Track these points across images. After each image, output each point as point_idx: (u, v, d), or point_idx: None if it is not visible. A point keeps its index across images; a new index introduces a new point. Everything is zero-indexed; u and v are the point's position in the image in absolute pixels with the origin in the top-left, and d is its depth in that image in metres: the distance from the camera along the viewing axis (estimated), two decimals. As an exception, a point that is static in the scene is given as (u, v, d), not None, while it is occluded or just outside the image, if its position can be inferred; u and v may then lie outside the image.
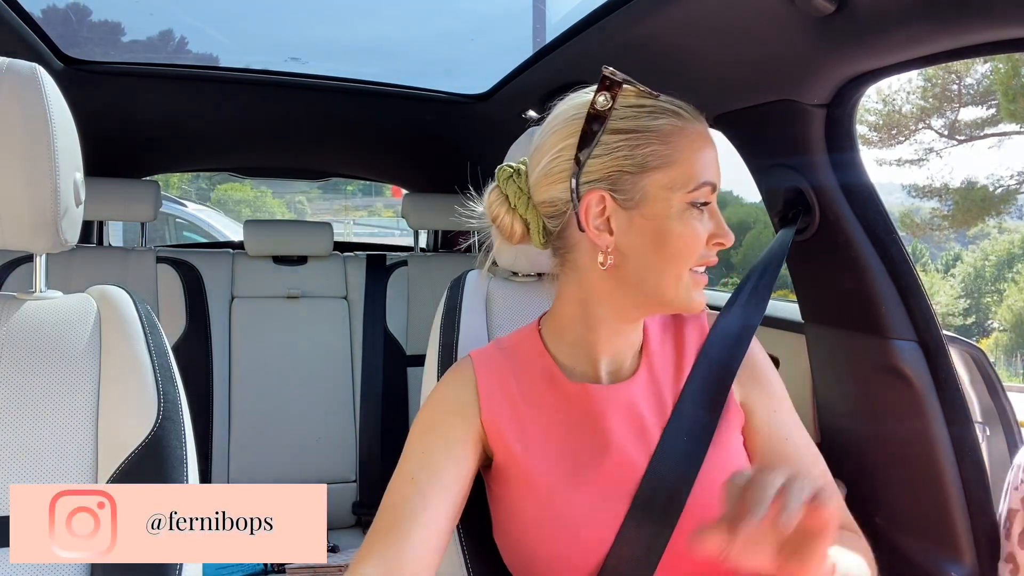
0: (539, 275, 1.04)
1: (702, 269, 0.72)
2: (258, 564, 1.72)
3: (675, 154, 0.69)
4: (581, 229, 0.71)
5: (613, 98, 0.69)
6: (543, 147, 0.74)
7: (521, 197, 0.76)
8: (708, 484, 0.71)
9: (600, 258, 0.71)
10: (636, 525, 0.69)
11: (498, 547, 0.77)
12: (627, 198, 0.69)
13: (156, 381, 0.76)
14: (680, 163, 0.69)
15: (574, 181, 0.70)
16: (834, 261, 1.04)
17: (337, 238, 2.21)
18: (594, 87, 0.71)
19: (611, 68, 0.69)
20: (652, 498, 0.70)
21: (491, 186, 0.79)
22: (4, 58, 0.73)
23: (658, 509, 0.70)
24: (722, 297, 1.53)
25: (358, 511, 2.01)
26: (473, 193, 0.83)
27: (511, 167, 0.78)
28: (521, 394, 0.76)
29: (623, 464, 0.72)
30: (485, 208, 0.79)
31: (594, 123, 0.69)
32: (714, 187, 0.70)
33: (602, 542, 0.69)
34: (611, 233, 0.70)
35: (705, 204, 0.70)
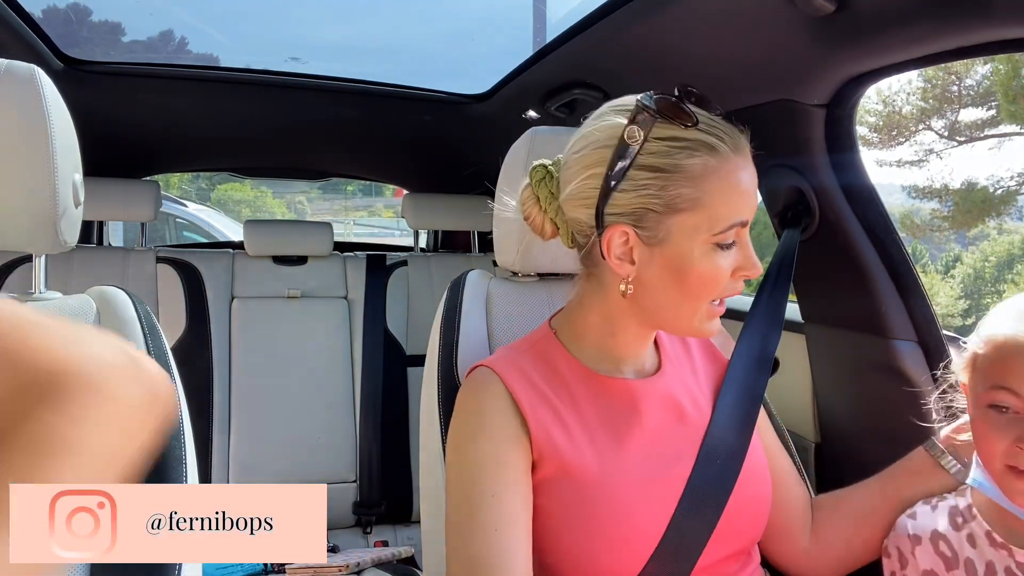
0: (539, 275, 1.04)
1: (718, 301, 0.71)
2: (258, 564, 1.72)
3: (704, 198, 0.66)
4: (603, 256, 0.70)
5: (645, 133, 0.66)
6: (571, 166, 0.72)
7: (552, 202, 0.75)
8: (748, 471, 0.75)
9: (621, 286, 0.70)
10: (688, 513, 0.71)
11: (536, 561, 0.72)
12: (651, 235, 0.67)
13: None
14: (709, 207, 0.66)
15: (599, 210, 0.69)
16: (834, 261, 1.04)
17: (337, 238, 2.21)
18: (631, 101, 0.68)
19: (651, 95, 0.66)
20: (703, 487, 0.72)
21: (525, 183, 0.78)
22: (2, 60, 0.73)
23: (710, 497, 0.72)
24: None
25: (358, 511, 2.01)
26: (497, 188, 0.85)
27: (544, 168, 0.76)
28: (555, 395, 0.74)
29: (669, 454, 0.74)
30: (518, 204, 0.79)
31: (623, 156, 0.67)
32: (745, 223, 0.68)
33: (654, 533, 0.70)
34: (632, 263, 0.69)
35: (732, 243, 0.68)
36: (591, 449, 0.72)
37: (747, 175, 0.68)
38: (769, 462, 0.83)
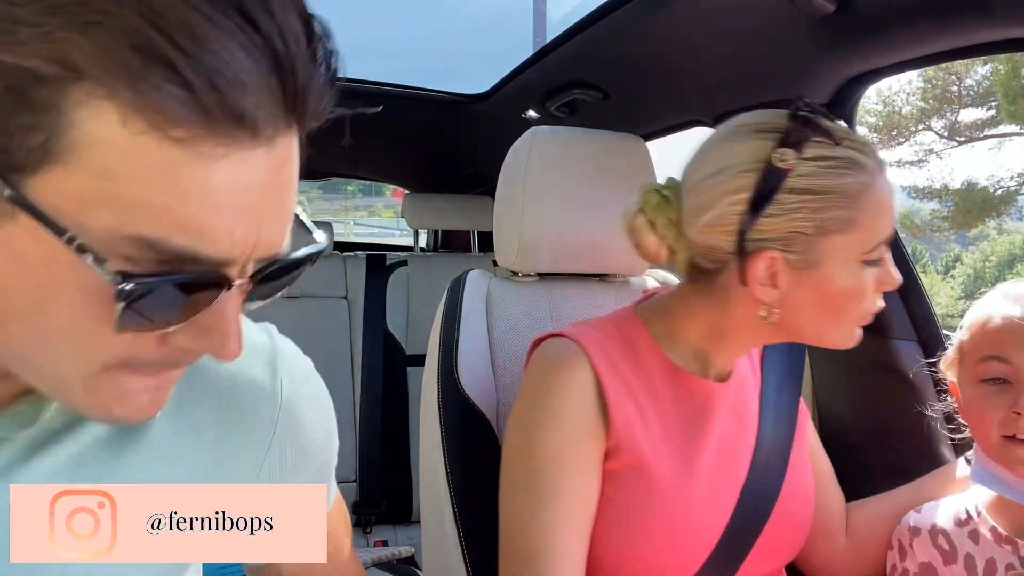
0: (539, 275, 1.04)
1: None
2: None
3: (858, 217, 0.63)
4: (743, 283, 0.66)
5: (797, 155, 0.62)
6: (705, 190, 0.67)
7: (671, 228, 0.71)
8: (791, 489, 0.75)
9: (762, 312, 0.67)
10: (739, 523, 0.71)
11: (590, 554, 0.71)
12: (800, 259, 0.64)
13: None
14: (862, 226, 0.64)
15: (741, 236, 0.65)
16: (834, 261, 1.04)
17: (337, 238, 2.22)
18: (767, 120, 0.66)
19: (804, 111, 0.64)
20: (757, 491, 0.72)
21: (634, 207, 0.73)
22: None
23: (757, 509, 0.72)
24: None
25: (358, 511, 2.01)
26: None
27: (659, 192, 0.72)
28: (639, 386, 0.72)
29: (730, 458, 0.74)
30: (627, 230, 0.74)
31: (772, 180, 0.63)
32: (891, 238, 0.67)
33: (712, 537, 0.70)
34: (775, 287, 0.66)
35: (879, 259, 0.67)
36: (667, 447, 0.70)
37: (890, 188, 0.67)
38: (817, 468, 0.83)
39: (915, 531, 0.77)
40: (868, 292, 0.67)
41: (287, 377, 0.54)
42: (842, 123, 0.67)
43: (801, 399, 0.84)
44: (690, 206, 0.69)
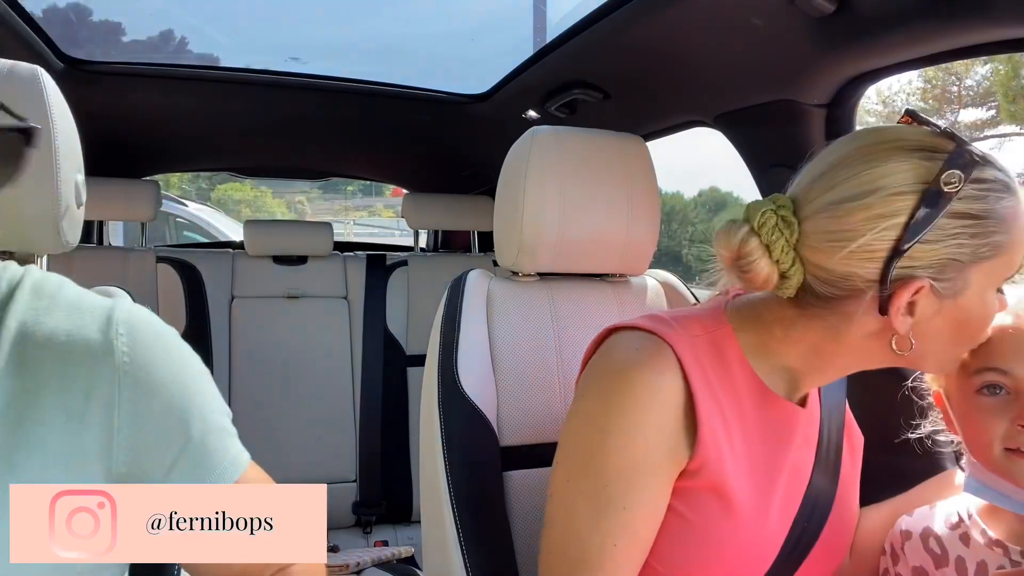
0: (539, 275, 1.04)
1: None
2: (258, 564, 1.72)
3: (1009, 242, 0.60)
4: (883, 312, 0.60)
5: (966, 178, 0.58)
6: (843, 214, 0.60)
7: (788, 251, 0.63)
8: (838, 522, 0.74)
9: (894, 343, 0.62)
10: (795, 541, 0.69)
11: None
12: (948, 287, 0.60)
13: None
14: (1010, 251, 0.60)
15: (888, 264, 0.59)
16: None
17: (337, 238, 2.22)
18: (917, 137, 0.61)
19: (955, 133, 0.59)
20: (811, 515, 0.70)
21: (741, 230, 0.64)
22: (6, 60, 0.73)
23: (812, 526, 0.70)
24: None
25: (358, 511, 2.01)
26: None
27: (776, 213, 0.63)
28: (727, 401, 0.66)
29: (796, 485, 0.71)
30: (732, 255, 0.65)
31: (934, 204, 0.58)
32: None
33: (766, 562, 0.68)
34: (911, 315, 0.61)
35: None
36: (749, 472, 0.66)
37: None
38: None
39: (907, 535, 0.77)
40: (993, 317, 0.64)
41: (124, 329, 0.54)
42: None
43: (850, 415, 0.81)
44: (821, 229, 0.62)
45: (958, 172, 0.58)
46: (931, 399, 0.78)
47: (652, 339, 0.66)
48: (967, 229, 0.58)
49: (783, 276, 0.64)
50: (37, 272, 0.57)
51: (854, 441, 0.80)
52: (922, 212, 0.58)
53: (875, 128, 0.65)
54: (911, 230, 0.58)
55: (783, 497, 0.69)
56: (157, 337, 0.56)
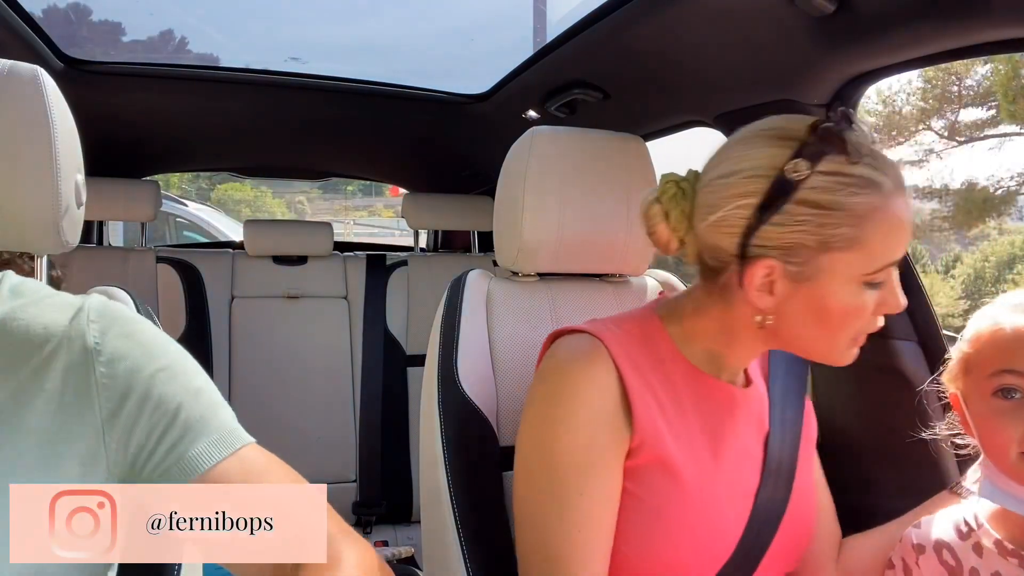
0: (539, 275, 1.04)
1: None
2: (258, 564, 1.72)
3: (863, 237, 0.62)
4: (740, 286, 0.66)
5: (811, 168, 0.62)
6: (715, 190, 0.67)
7: (683, 221, 0.71)
8: (798, 500, 0.76)
9: (758, 318, 0.68)
10: (758, 521, 0.72)
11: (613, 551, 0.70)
12: (799, 272, 0.64)
13: None
14: (867, 246, 0.63)
15: (744, 240, 0.65)
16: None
17: (337, 238, 2.22)
18: (790, 127, 0.65)
19: (821, 126, 0.63)
20: (770, 497, 0.73)
21: (651, 196, 0.74)
22: (5, 60, 0.73)
23: (773, 507, 0.73)
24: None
25: (358, 511, 2.01)
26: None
27: (677, 184, 0.72)
28: (660, 385, 0.71)
29: (747, 463, 0.74)
30: (642, 216, 0.74)
31: (782, 189, 0.63)
32: (898, 261, 0.66)
33: (731, 539, 0.70)
34: (772, 295, 0.66)
35: (882, 281, 0.66)
36: (689, 446, 0.70)
37: (908, 212, 0.65)
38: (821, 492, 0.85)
39: (920, 548, 0.76)
40: (865, 313, 0.66)
41: (95, 316, 0.56)
42: (874, 138, 0.66)
43: (809, 404, 0.84)
44: (701, 202, 0.69)
45: (805, 162, 0.62)
46: (949, 401, 0.78)
47: (586, 338, 0.72)
48: (814, 218, 0.62)
49: (682, 243, 0.72)
50: (14, 276, 0.59)
51: (810, 432, 0.82)
52: (772, 195, 0.63)
53: (771, 117, 0.70)
54: (761, 211, 0.63)
55: (735, 471, 0.73)
56: (127, 321, 0.58)
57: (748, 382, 0.79)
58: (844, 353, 0.69)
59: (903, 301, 0.67)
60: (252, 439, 0.59)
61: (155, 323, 0.81)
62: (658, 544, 0.67)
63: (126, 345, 0.56)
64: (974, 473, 0.78)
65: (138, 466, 0.53)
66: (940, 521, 0.76)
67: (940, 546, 0.74)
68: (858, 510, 0.90)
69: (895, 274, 0.67)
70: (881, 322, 0.69)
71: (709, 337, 0.73)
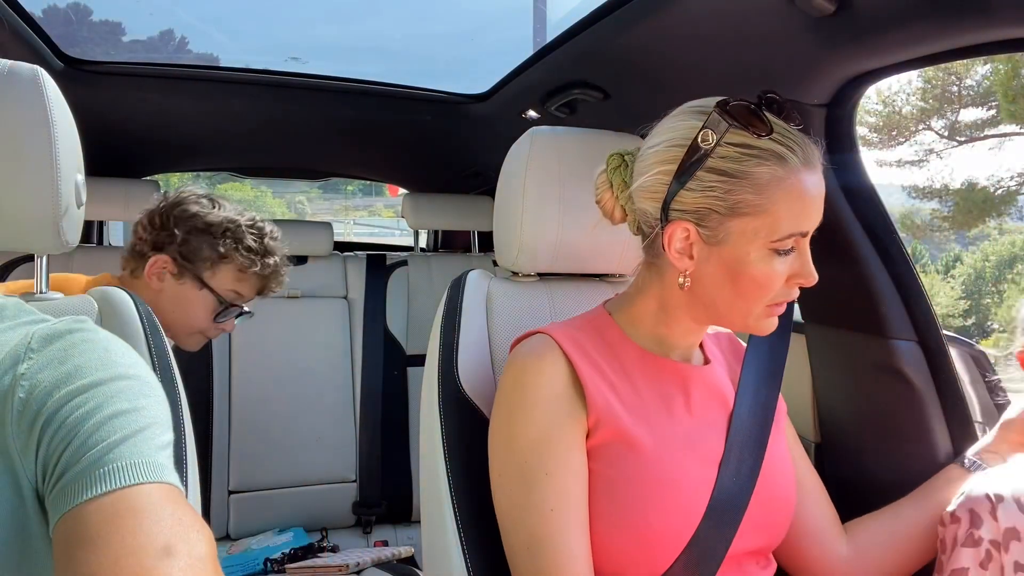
0: (539, 275, 1.04)
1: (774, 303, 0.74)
2: (258, 564, 1.72)
3: (767, 205, 0.68)
4: (664, 249, 0.73)
5: (718, 138, 0.69)
6: (646, 158, 0.75)
7: (624, 190, 0.79)
8: (770, 462, 0.79)
9: (680, 279, 0.74)
10: (725, 490, 0.74)
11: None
12: (711, 235, 0.71)
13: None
14: (771, 214, 0.69)
15: (665, 205, 0.72)
16: (834, 261, 1.04)
17: (337, 238, 2.21)
18: (713, 101, 0.71)
19: (731, 103, 0.69)
20: (733, 472, 0.75)
21: (601, 168, 0.82)
22: (5, 60, 0.73)
23: (740, 482, 0.75)
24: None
25: (358, 511, 2.01)
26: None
27: (620, 156, 0.80)
28: (610, 369, 0.77)
29: (709, 433, 0.78)
30: (594, 185, 0.83)
31: (694, 156, 0.70)
32: (806, 233, 0.71)
33: (699, 505, 0.72)
34: (691, 258, 0.73)
35: (790, 250, 0.71)
36: (644, 420, 0.75)
37: (814, 188, 0.70)
38: (800, 474, 0.87)
39: (998, 498, 0.76)
40: (775, 281, 0.71)
41: (37, 343, 0.55)
42: (797, 120, 0.73)
43: (781, 398, 0.87)
44: (635, 171, 0.77)
45: (712, 132, 0.69)
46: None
47: (538, 336, 0.79)
48: (721, 184, 0.69)
49: (624, 213, 0.80)
50: None
51: (781, 416, 0.86)
52: (686, 163, 0.70)
53: (701, 99, 0.76)
54: (677, 177, 0.71)
55: (693, 440, 0.76)
56: (69, 345, 0.55)
57: (707, 362, 0.84)
58: (761, 321, 0.74)
59: (814, 275, 0.72)
60: (153, 478, 0.50)
61: (153, 322, 0.81)
62: (630, 517, 0.71)
63: (51, 369, 0.53)
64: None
65: (43, 491, 0.50)
66: (1012, 475, 0.77)
67: (1019, 495, 0.75)
68: (858, 510, 0.91)
69: (806, 246, 0.72)
70: (796, 293, 0.74)
71: (650, 317, 0.80)
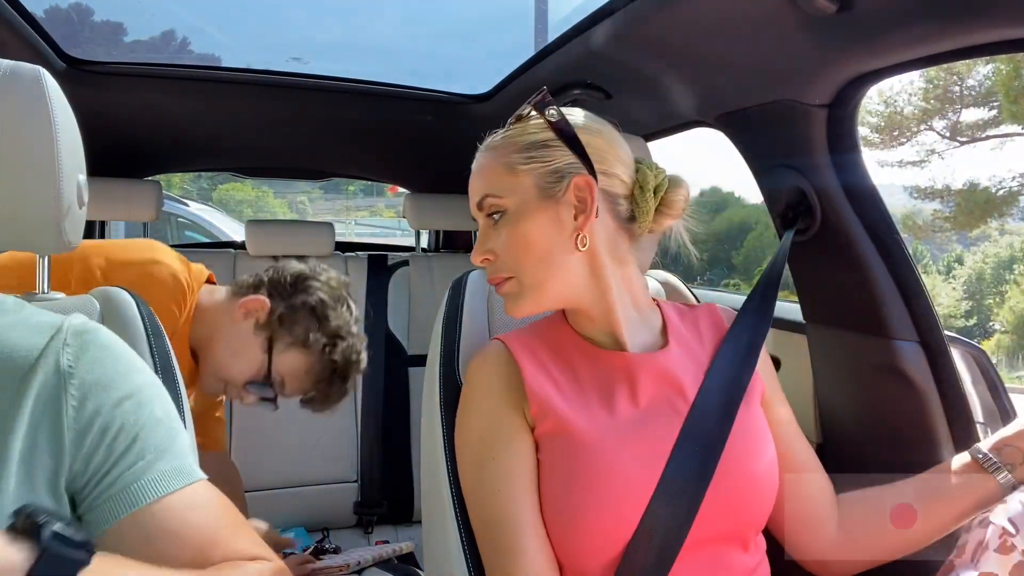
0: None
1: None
2: (259, 564, 1.72)
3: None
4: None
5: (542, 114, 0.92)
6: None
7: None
8: (738, 444, 0.77)
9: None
10: (673, 481, 0.73)
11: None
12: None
13: None
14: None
15: None
16: (836, 262, 1.04)
17: (338, 238, 2.21)
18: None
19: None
20: (688, 456, 0.75)
21: None
22: (8, 61, 0.73)
23: (695, 466, 0.74)
24: (726, 298, 1.54)
25: (359, 511, 2.01)
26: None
27: None
28: (554, 365, 0.82)
29: (659, 425, 0.77)
30: None
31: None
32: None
33: (646, 491, 0.72)
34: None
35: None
36: (585, 412, 0.77)
37: (476, 164, 0.97)
38: (790, 453, 0.85)
39: None
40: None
41: (71, 340, 0.60)
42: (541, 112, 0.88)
43: (758, 375, 0.84)
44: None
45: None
46: None
47: (492, 342, 0.85)
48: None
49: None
50: None
51: (754, 389, 0.84)
52: None
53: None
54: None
55: (642, 426, 0.77)
56: (100, 347, 0.61)
57: (664, 345, 0.84)
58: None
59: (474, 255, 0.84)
60: (202, 475, 0.63)
61: (156, 324, 0.82)
62: (573, 504, 0.73)
63: (96, 372, 0.59)
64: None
65: (89, 488, 0.56)
66: None
67: None
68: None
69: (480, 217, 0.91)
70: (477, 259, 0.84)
71: (585, 309, 0.83)
